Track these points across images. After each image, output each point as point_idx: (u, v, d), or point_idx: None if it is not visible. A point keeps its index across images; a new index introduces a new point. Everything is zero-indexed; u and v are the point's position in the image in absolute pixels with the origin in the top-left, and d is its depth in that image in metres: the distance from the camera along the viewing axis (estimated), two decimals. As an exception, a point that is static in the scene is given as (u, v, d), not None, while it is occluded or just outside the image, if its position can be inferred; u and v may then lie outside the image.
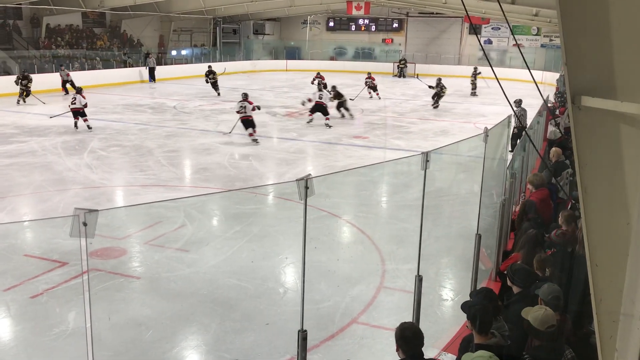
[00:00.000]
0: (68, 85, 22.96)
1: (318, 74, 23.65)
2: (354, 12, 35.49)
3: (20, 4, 25.95)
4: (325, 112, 16.27)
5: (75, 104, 14.96)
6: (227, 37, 38.51)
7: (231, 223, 8.39)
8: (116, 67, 29.01)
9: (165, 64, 32.23)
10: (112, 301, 5.70)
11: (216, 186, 10.12)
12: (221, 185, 10.23)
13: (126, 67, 29.19)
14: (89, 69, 27.54)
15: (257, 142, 13.70)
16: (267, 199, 9.78)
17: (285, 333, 5.08)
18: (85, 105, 15.04)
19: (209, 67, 24.41)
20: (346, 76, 29.54)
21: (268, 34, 41.24)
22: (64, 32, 29.39)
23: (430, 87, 20.44)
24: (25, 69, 21.61)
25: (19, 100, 19.84)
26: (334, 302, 5.76)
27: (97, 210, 2.23)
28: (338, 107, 17.79)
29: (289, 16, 40.05)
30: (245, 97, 14.10)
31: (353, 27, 40.10)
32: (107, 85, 26.00)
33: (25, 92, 19.96)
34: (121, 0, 27.11)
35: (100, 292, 5.88)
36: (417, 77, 28.90)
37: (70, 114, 15.06)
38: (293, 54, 39.37)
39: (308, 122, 16.50)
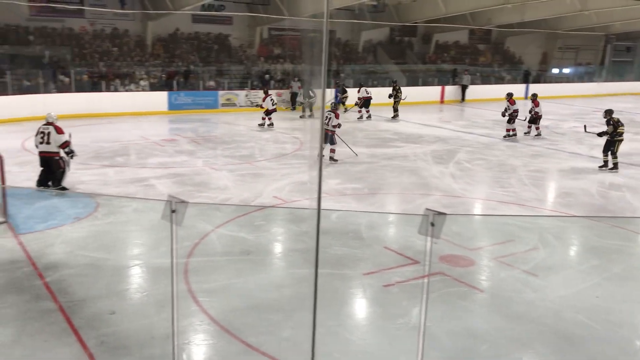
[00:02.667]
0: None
1: None
2: None
3: (417, 23, 28.77)
4: None
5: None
6: (618, 56, 35.20)
7: (589, 255, 7.69)
8: (494, 83, 29.56)
9: (545, 82, 31.34)
10: (453, 307, 5.87)
11: (577, 213, 9.41)
12: (583, 214, 9.46)
13: (504, 83, 29.46)
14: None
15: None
16: (638, 236, 8.64)
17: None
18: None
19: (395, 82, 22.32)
20: None
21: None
22: (450, 48, 31.38)
23: None
24: (395, 80, 23.14)
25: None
26: None
27: (444, 214, 2.33)
28: None
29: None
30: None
31: None
32: (482, 101, 26.74)
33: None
34: (508, 17, 27.43)
35: (444, 296, 6.11)
36: None
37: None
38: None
39: None
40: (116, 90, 19.82)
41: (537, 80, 31.17)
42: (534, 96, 17.39)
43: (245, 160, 12.92)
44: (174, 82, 21.59)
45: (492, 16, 27.60)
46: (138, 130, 16.72)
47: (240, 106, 21.94)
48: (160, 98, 20.40)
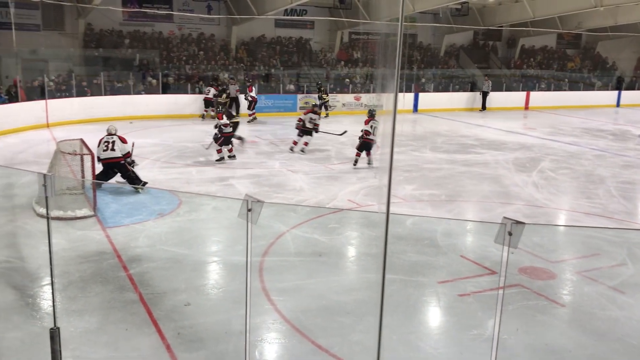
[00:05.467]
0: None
1: None
2: None
3: (501, 26, 27.97)
4: None
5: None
6: None
7: (684, 275, 7.17)
8: (583, 90, 28.27)
9: (638, 88, 29.61)
10: (531, 321, 5.65)
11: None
12: (680, 230, 8.84)
13: (594, 90, 28.10)
14: (554, 90, 27.69)
15: None
16: None
17: None
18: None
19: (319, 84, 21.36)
20: None
21: None
22: (536, 53, 30.27)
23: None
24: (320, 82, 22.42)
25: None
26: None
27: (523, 223, 2.24)
28: None
29: None
30: None
31: None
32: (569, 107, 25.63)
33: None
34: (600, 21, 26.12)
35: (522, 308, 5.90)
36: None
37: None
38: None
39: None
40: (200, 92, 20.52)
41: (631, 87, 29.49)
42: None
43: (321, 163, 13.02)
44: (255, 86, 22.09)
45: (582, 20, 26.36)
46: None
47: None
48: (242, 101, 20.94)
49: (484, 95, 25.14)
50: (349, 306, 5.86)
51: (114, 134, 9.95)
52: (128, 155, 10.00)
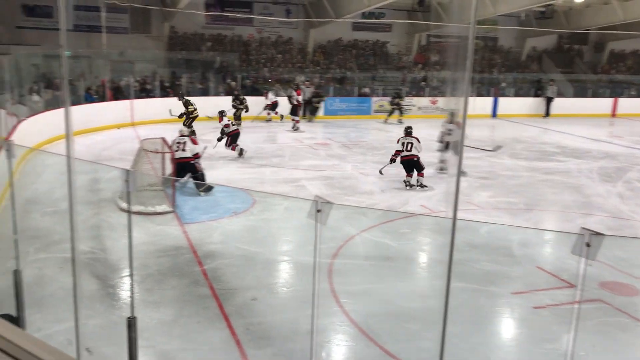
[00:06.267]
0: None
1: None
2: None
3: (589, 30, 26.74)
4: None
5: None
6: None
7: None
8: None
9: None
10: (612, 338, 5.36)
11: None
12: None
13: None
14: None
15: None
16: None
17: None
18: None
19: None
20: None
21: None
22: (626, 57, 28.72)
23: None
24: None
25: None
26: None
27: (603, 235, 2.13)
28: None
29: None
30: None
31: None
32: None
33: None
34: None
35: (602, 325, 5.61)
36: None
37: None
38: None
39: None
40: (277, 94, 20.86)
41: None
42: None
43: (395, 167, 12.90)
44: (330, 88, 22.23)
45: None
46: (294, 133, 17.46)
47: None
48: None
49: (549, 100, 23.91)
50: (418, 313, 5.77)
51: (186, 135, 10.35)
52: (197, 156, 10.33)
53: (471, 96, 22.72)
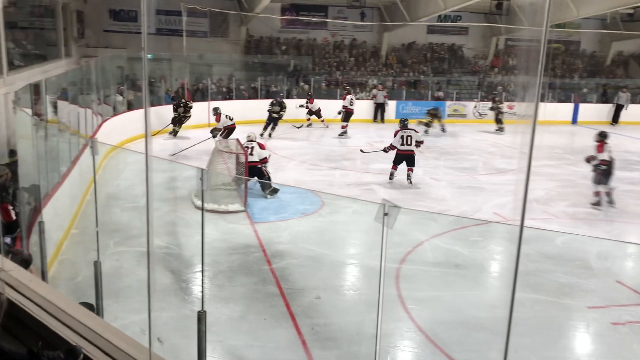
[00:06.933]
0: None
1: None
2: None
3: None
4: None
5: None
6: None
7: None
8: None
9: None
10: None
11: None
12: None
13: None
14: None
15: None
16: None
17: None
18: None
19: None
20: None
21: None
22: None
23: None
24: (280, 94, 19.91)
25: None
26: None
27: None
28: None
29: None
30: None
31: None
32: None
33: None
34: None
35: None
36: None
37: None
38: None
39: None
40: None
41: None
42: None
43: (467, 172, 12.63)
44: (403, 92, 22.05)
45: None
46: (365, 137, 17.43)
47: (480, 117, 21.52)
48: (389, 107, 21.01)
49: (618, 108, 22.20)
50: (488, 323, 5.62)
51: (254, 141, 10.58)
52: (265, 160, 10.53)
53: (550, 102, 21.91)
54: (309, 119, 18.77)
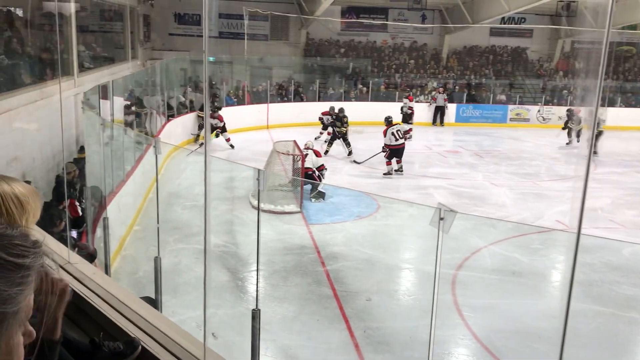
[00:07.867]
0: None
1: None
2: None
3: None
4: None
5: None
6: None
7: None
8: None
9: None
10: None
11: None
12: None
13: None
14: None
15: None
16: None
17: None
18: None
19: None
20: None
21: None
22: None
23: None
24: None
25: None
26: None
27: None
28: None
29: None
30: None
31: None
32: None
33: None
34: None
35: None
36: None
37: None
38: None
39: None
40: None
41: None
42: None
43: (529, 178, 12.28)
44: (463, 95, 21.67)
45: None
46: (423, 140, 17.23)
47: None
48: (449, 110, 20.70)
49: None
50: (546, 333, 5.44)
51: (310, 148, 10.73)
52: (321, 167, 10.66)
53: (620, 107, 20.97)
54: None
